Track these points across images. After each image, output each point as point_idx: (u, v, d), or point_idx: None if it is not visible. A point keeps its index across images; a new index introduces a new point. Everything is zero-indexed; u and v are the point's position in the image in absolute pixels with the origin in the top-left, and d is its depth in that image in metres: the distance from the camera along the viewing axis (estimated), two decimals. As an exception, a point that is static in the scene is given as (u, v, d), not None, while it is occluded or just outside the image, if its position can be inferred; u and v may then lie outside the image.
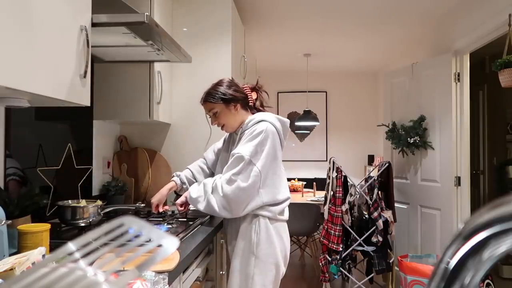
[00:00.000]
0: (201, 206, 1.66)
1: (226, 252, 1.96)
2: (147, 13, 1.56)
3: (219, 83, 1.79)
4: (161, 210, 1.89)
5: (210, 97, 1.76)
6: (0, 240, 1.18)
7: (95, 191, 2.27)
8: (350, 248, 3.17)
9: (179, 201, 1.85)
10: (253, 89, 1.88)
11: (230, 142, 1.89)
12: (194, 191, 1.71)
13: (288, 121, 1.82)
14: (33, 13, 1.15)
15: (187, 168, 2.04)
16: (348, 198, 3.26)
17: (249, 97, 1.83)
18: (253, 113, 1.82)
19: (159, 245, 0.33)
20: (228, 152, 1.83)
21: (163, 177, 2.56)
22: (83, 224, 1.63)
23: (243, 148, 1.64)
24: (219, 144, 2.06)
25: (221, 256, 2.01)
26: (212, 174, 2.01)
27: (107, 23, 1.54)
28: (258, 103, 1.88)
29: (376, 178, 3.26)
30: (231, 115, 1.77)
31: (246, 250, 1.69)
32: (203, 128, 2.60)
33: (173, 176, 2.00)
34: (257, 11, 3.27)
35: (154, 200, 1.89)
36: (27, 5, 1.12)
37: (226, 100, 1.74)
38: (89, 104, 1.46)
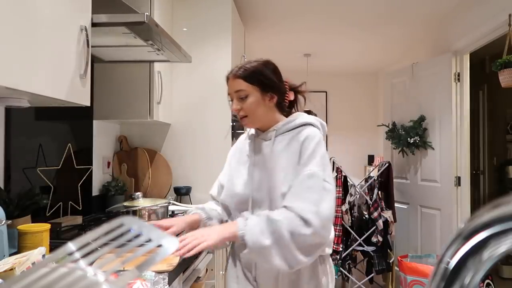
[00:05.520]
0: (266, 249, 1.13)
1: None
2: (147, 13, 1.56)
3: (263, 63, 1.34)
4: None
5: (246, 74, 1.30)
6: (0, 240, 1.18)
7: (95, 191, 2.27)
8: (350, 248, 3.17)
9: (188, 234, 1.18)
10: (293, 89, 1.46)
11: (254, 153, 1.37)
12: (259, 228, 1.14)
13: (325, 125, 1.46)
14: (33, 13, 1.15)
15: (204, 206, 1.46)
16: (348, 198, 3.26)
17: (286, 95, 1.42)
18: (285, 116, 1.42)
19: (159, 245, 0.33)
20: (264, 167, 1.31)
21: (163, 177, 2.56)
22: None
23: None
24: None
25: (221, 256, 2.02)
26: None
27: (107, 23, 1.54)
28: (295, 107, 1.47)
29: (376, 178, 3.26)
30: (262, 107, 1.32)
31: None
32: (203, 128, 2.60)
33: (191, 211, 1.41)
34: (257, 11, 3.27)
35: (167, 223, 1.27)
36: (27, 5, 1.12)
37: (265, 86, 1.32)
38: (89, 104, 1.46)
